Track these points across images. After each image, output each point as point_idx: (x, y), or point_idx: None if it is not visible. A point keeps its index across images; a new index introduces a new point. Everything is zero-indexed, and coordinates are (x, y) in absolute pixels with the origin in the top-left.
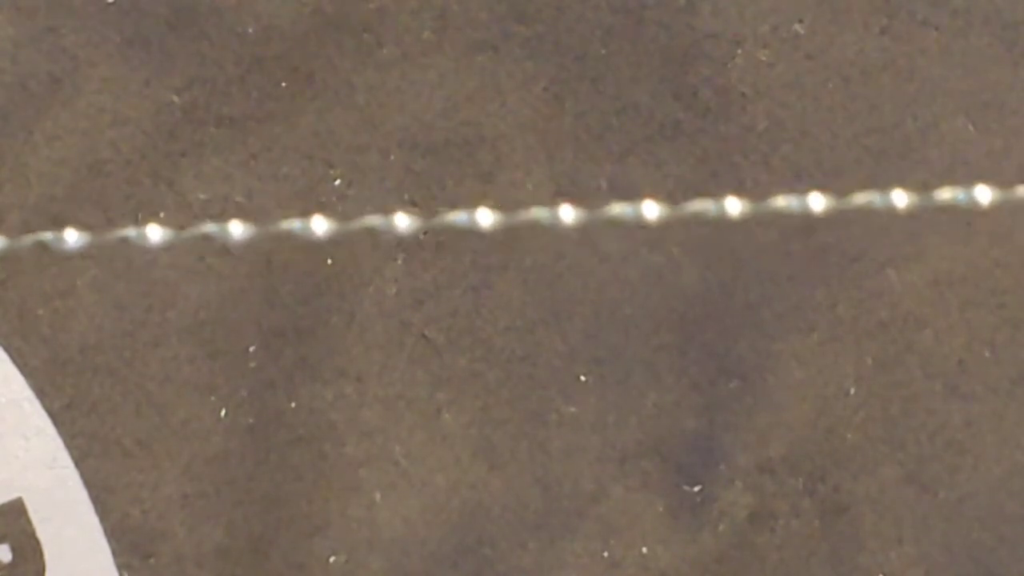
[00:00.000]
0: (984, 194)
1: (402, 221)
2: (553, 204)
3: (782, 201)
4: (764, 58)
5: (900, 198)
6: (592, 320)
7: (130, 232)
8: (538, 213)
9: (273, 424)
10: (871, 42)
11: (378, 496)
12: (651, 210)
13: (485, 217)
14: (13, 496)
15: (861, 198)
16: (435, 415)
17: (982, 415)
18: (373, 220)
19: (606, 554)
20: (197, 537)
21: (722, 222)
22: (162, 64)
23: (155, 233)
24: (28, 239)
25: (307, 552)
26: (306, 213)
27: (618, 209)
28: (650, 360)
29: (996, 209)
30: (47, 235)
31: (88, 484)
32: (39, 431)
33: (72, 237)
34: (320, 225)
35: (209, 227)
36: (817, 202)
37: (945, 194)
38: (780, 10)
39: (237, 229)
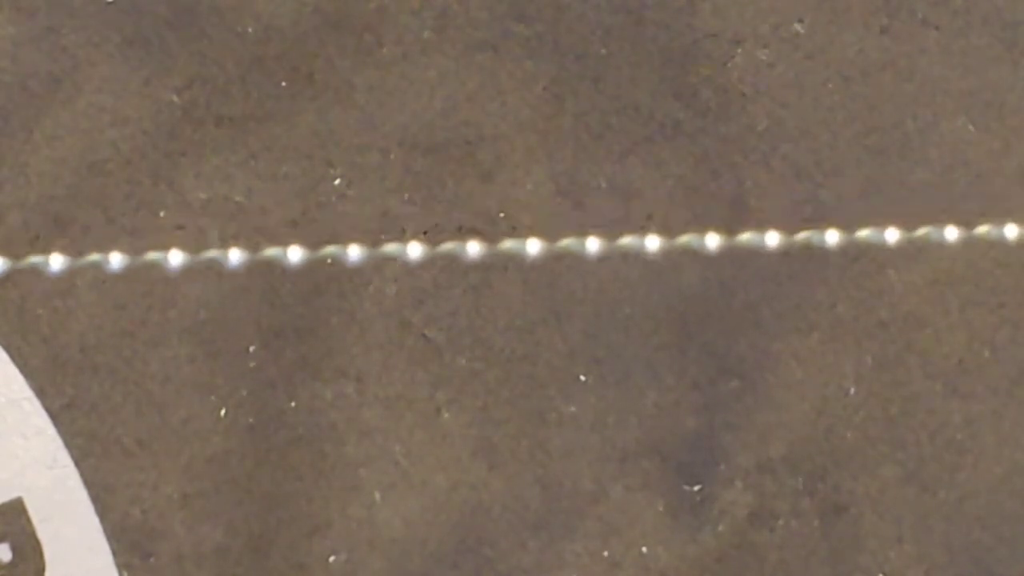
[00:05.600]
0: (1012, 232)
1: (414, 250)
2: (553, 204)
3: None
4: (764, 58)
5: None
6: (592, 320)
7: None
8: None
9: (273, 424)
10: (871, 42)
11: (378, 496)
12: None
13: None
14: (13, 496)
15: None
16: (435, 415)
17: (982, 415)
18: (375, 243)
19: (606, 554)
20: (197, 537)
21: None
22: (162, 64)
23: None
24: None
25: (307, 552)
26: (306, 213)
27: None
28: (650, 360)
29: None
30: (38, 258)
31: (88, 484)
32: (39, 431)
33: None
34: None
35: (211, 250)
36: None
37: (982, 228)
38: (780, 10)
39: (235, 253)
